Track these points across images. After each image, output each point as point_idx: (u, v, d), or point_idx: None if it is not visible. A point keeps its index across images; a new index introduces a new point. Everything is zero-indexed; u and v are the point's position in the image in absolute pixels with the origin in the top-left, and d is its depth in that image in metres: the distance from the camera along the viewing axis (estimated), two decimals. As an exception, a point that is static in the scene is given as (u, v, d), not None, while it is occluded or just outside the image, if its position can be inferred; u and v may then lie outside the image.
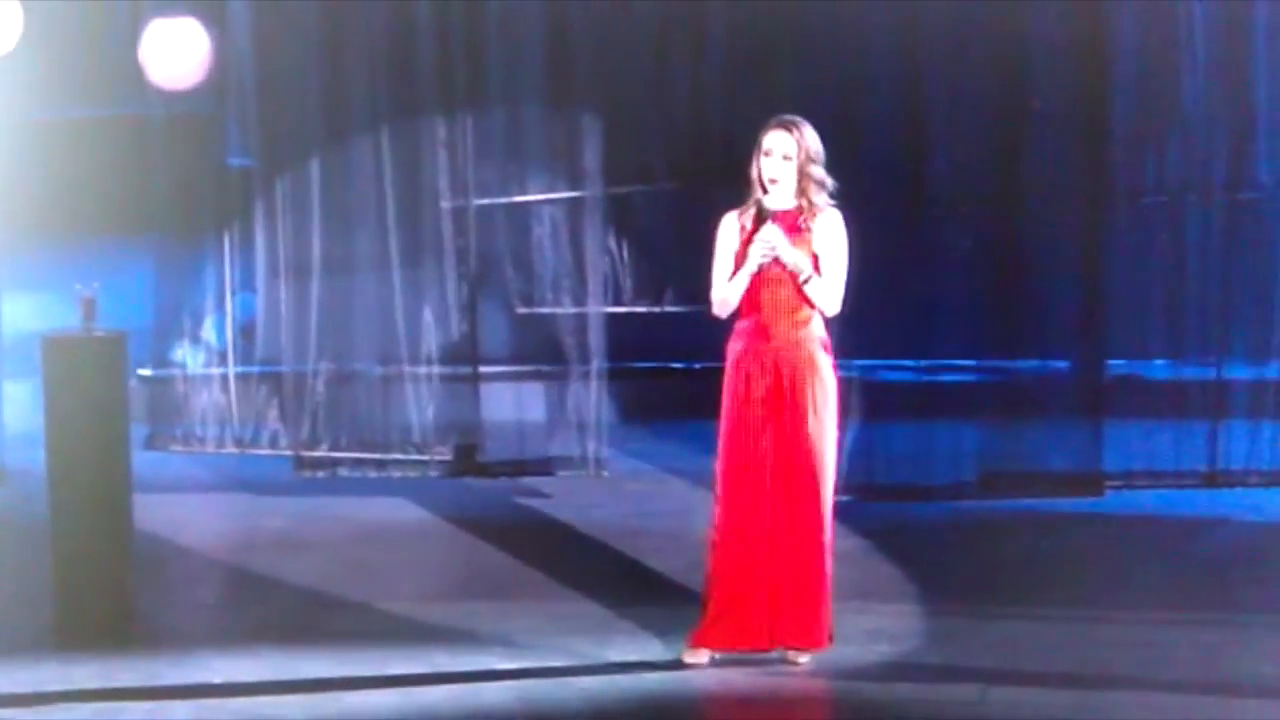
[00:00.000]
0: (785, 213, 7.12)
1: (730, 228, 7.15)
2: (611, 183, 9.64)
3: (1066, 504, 9.15)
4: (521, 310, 9.78)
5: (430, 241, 9.77)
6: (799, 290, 7.06)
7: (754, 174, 7.09)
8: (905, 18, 9.28)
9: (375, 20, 9.72)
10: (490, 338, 9.83)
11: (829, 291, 7.10)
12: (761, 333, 7.11)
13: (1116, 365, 9.65)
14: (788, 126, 7.11)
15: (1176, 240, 9.25)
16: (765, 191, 7.08)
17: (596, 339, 9.65)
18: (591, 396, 9.64)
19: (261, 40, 9.83)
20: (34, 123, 10.70)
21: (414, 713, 6.80)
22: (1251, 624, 7.55)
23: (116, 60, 10.17)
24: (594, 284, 9.62)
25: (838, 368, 7.23)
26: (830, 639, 7.16)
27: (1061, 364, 9.57)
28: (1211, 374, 9.22)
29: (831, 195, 7.14)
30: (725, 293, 7.10)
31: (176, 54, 9.76)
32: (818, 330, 7.12)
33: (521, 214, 9.73)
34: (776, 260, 7.05)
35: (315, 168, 9.83)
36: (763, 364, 7.10)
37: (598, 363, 9.66)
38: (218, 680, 7.14)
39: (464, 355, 9.78)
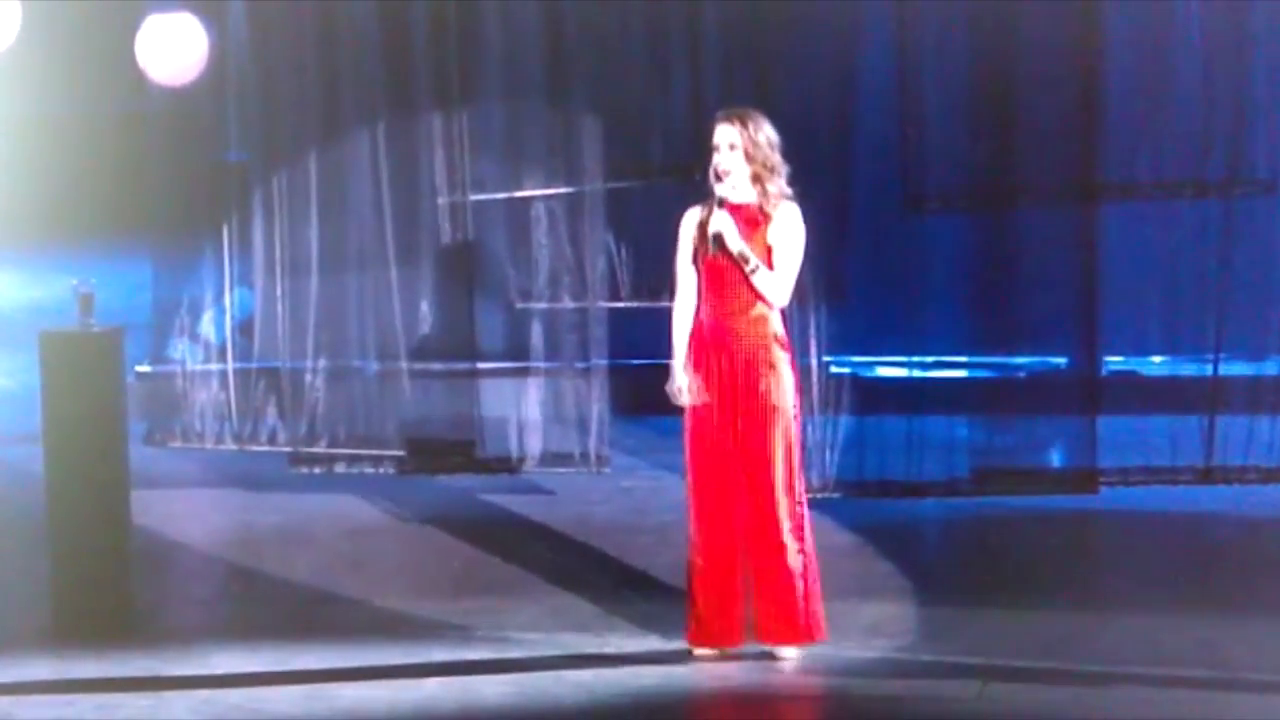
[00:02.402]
0: (744, 206, 7.17)
1: (690, 221, 7.24)
2: (609, 178, 9.64)
3: (1061, 500, 9.16)
4: (520, 306, 9.78)
5: (428, 237, 9.78)
6: (753, 286, 7.11)
7: (710, 171, 7.17)
8: (898, 14, 9.28)
9: (372, 15, 9.72)
10: (488, 334, 9.83)
11: (777, 284, 7.15)
12: (718, 328, 7.17)
13: (1112, 361, 9.65)
14: (730, 118, 7.20)
15: (1172, 235, 9.23)
16: (720, 182, 7.14)
17: (595, 334, 9.65)
18: (590, 392, 9.64)
19: (259, 36, 9.82)
20: (32, 119, 10.72)
21: (410, 707, 6.81)
22: (1248, 619, 7.56)
23: (114, 56, 10.18)
24: (592, 279, 9.62)
25: (795, 363, 7.28)
26: (818, 634, 7.15)
27: (1056, 360, 9.57)
28: (1208, 370, 9.21)
29: (790, 182, 7.18)
30: (678, 283, 7.24)
31: (174, 50, 9.76)
32: (773, 326, 7.17)
33: (519, 209, 9.73)
34: (724, 249, 7.10)
35: (313, 164, 9.83)
36: (719, 359, 7.16)
37: (596, 358, 9.66)
38: (216, 673, 7.15)
39: (462, 351, 9.78)
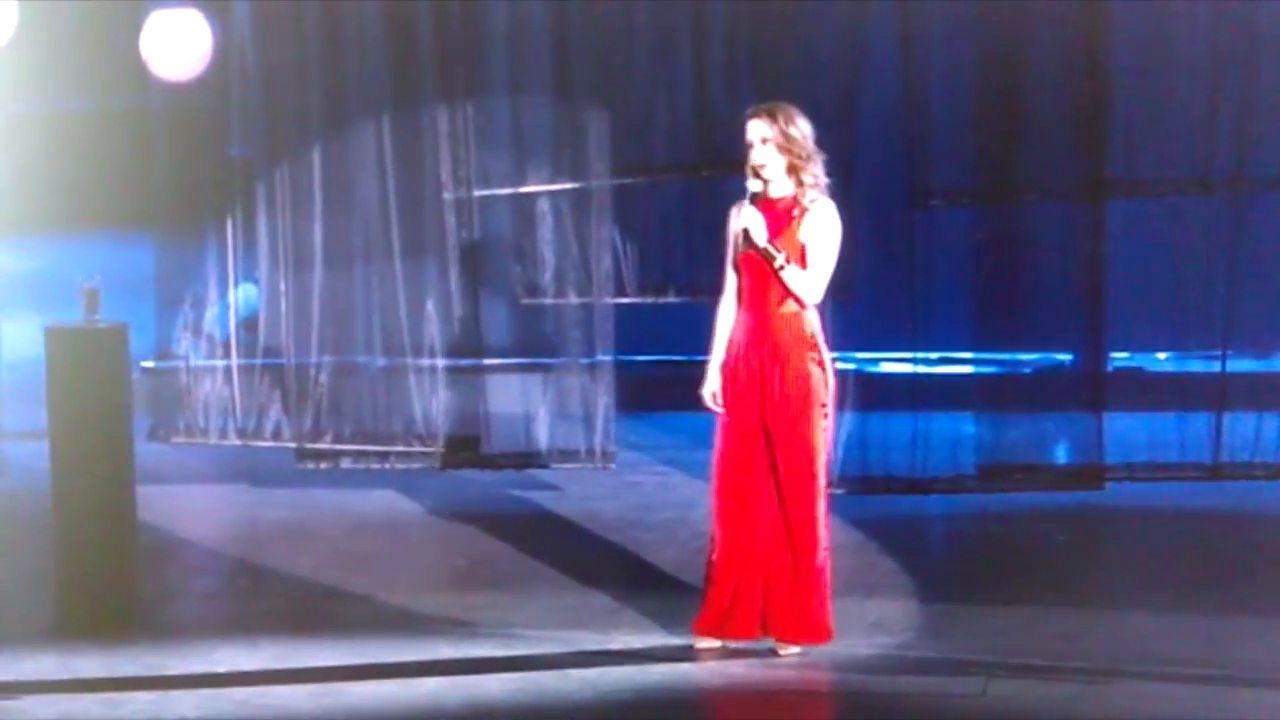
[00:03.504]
0: (779, 200, 7.15)
1: (731, 218, 7.23)
2: (614, 174, 9.64)
3: (1067, 497, 9.15)
4: (525, 301, 9.77)
5: (433, 233, 9.77)
6: (784, 283, 7.09)
7: (747, 168, 7.16)
8: (903, 10, 9.27)
9: (377, 10, 9.71)
10: (493, 329, 9.82)
11: (807, 281, 7.11)
12: (751, 325, 7.16)
13: (1117, 358, 9.63)
14: (760, 113, 7.19)
15: (1180, 232, 9.21)
16: (759, 180, 7.12)
17: (601, 330, 9.64)
18: (596, 388, 9.64)
19: (263, 31, 9.82)
20: (37, 115, 10.71)
21: (417, 702, 6.81)
22: (1254, 617, 7.55)
23: (118, 52, 10.17)
24: (598, 275, 9.61)
25: (833, 361, 7.23)
26: (829, 633, 7.15)
27: (1063, 356, 9.56)
28: (1216, 366, 9.19)
29: (828, 174, 7.16)
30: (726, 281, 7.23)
31: (178, 45, 9.75)
32: (806, 323, 7.13)
33: (524, 205, 9.72)
34: (753, 245, 7.09)
35: (317, 159, 9.82)
36: (749, 356, 7.14)
37: (602, 354, 9.66)
38: (221, 670, 7.15)
39: (467, 347, 9.77)
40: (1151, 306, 9.28)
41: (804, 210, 7.12)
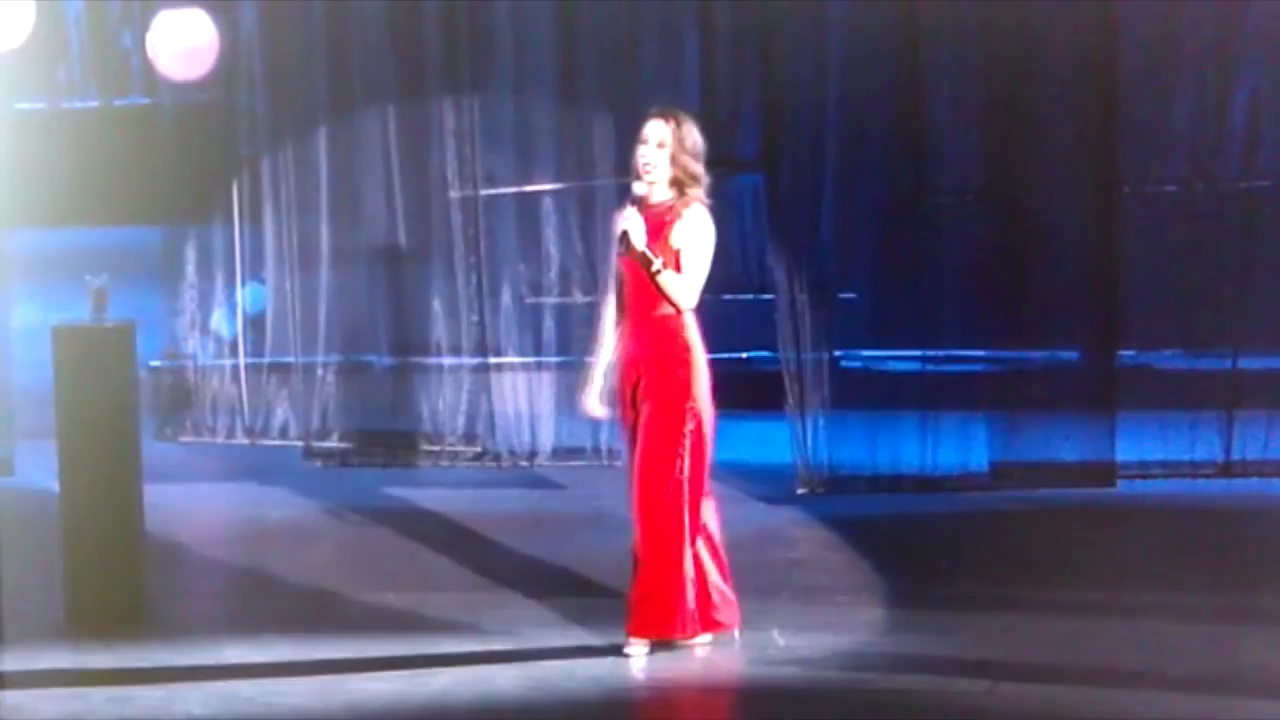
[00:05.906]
0: (658, 205, 7.12)
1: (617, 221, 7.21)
2: (619, 173, 9.64)
3: (1078, 495, 9.13)
4: (530, 300, 9.78)
5: (439, 232, 9.78)
6: (659, 286, 7.06)
7: (635, 163, 7.12)
8: (910, 7, 9.26)
9: (382, 11, 9.72)
10: (499, 328, 9.83)
11: (681, 286, 7.06)
12: (629, 330, 7.14)
13: (1128, 355, 9.61)
14: (663, 115, 7.15)
15: (1190, 228, 9.20)
16: (644, 183, 7.09)
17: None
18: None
19: (270, 30, 9.83)
20: (44, 113, 10.72)
21: (422, 700, 6.81)
22: (1263, 616, 7.53)
23: (125, 51, 10.18)
24: (602, 274, 9.61)
25: (709, 364, 7.15)
26: (683, 629, 7.09)
27: (1072, 354, 9.54)
28: (1227, 364, 9.18)
29: (708, 193, 7.11)
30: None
31: (185, 44, 9.76)
32: (681, 327, 7.08)
33: (530, 204, 9.73)
34: (631, 249, 7.06)
35: (323, 158, 9.83)
36: (625, 360, 7.13)
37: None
38: (228, 666, 7.15)
39: (473, 345, 9.78)
40: (1162, 304, 9.26)
41: (677, 215, 7.09)
